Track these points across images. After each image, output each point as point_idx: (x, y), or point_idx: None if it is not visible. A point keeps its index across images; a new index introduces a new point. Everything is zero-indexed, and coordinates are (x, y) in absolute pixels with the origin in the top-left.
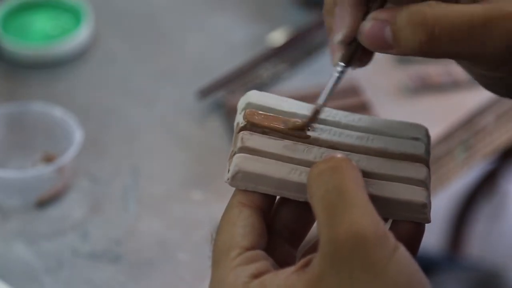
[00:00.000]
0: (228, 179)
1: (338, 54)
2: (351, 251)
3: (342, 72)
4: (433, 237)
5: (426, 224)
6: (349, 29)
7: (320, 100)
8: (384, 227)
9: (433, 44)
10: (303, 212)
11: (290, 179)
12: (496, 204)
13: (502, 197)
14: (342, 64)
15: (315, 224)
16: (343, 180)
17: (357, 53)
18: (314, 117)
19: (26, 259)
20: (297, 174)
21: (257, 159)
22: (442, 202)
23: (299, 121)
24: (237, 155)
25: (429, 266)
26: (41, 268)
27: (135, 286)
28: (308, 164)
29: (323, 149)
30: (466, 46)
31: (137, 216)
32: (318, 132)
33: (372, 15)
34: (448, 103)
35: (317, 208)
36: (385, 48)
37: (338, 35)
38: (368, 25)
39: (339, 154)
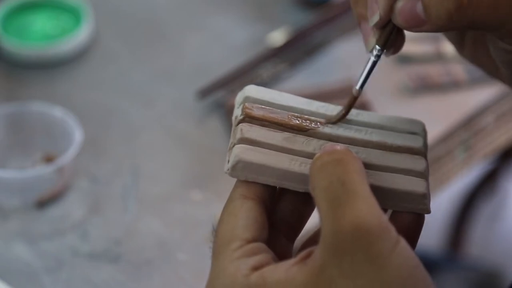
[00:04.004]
0: (228, 169)
1: (373, 38)
2: (354, 242)
3: (378, 56)
4: (433, 237)
5: (426, 225)
6: (384, 10)
7: (357, 86)
8: (387, 220)
9: (461, 13)
10: (300, 205)
11: (291, 169)
12: (496, 204)
13: (502, 197)
14: (378, 47)
15: (311, 218)
16: (346, 172)
17: (391, 36)
18: (353, 104)
19: (26, 259)
20: (297, 165)
21: (257, 150)
22: (442, 202)
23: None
24: (237, 145)
25: (429, 266)
26: (41, 268)
27: (135, 286)
28: (308, 155)
29: (322, 141)
30: (493, 14)
31: (137, 216)
32: (317, 125)
33: None
34: (448, 103)
35: (320, 199)
36: (418, 24)
37: (374, 18)
38: (400, 3)
39: (339, 146)
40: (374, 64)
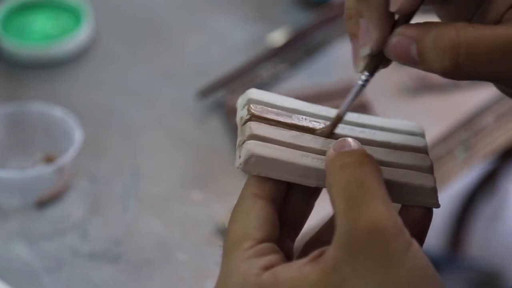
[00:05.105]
0: (240, 164)
1: (362, 63)
2: (369, 241)
3: (366, 81)
4: (433, 237)
5: None
6: (376, 44)
7: (343, 107)
8: (401, 223)
9: (457, 69)
10: (302, 204)
11: (303, 164)
12: (496, 204)
13: (502, 197)
14: (367, 73)
15: (311, 217)
16: (365, 174)
17: (381, 63)
18: (337, 124)
19: (26, 259)
20: (309, 159)
21: (268, 145)
22: (442, 202)
23: (321, 127)
24: (248, 141)
25: None
26: (41, 268)
27: (135, 286)
28: (317, 151)
29: (329, 140)
30: (488, 70)
31: (137, 216)
32: (321, 125)
33: (399, 30)
34: (448, 103)
35: (337, 198)
36: (411, 63)
37: (365, 49)
38: (394, 40)
39: (352, 142)
40: (362, 87)
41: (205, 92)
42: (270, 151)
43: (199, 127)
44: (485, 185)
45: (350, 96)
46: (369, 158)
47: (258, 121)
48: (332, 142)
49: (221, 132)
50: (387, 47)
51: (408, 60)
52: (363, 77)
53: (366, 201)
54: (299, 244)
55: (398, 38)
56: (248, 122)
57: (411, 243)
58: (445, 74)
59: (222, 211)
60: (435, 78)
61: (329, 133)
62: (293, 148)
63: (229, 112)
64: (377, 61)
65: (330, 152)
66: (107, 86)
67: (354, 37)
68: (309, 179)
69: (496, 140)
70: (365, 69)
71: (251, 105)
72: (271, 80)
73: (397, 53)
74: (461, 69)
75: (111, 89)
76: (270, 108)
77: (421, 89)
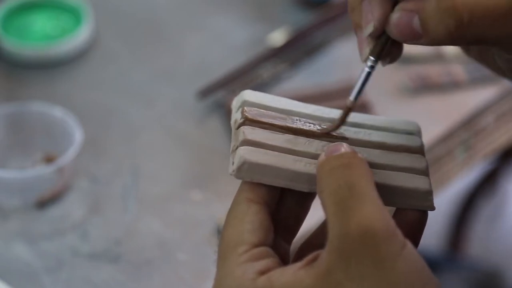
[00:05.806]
0: (233, 171)
1: (367, 48)
2: (361, 245)
3: (372, 67)
4: (433, 237)
5: (426, 225)
6: (379, 21)
7: (351, 97)
8: (394, 224)
9: (462, 31)
10: (296, 207)
11: (296, 169)
12: (496, 204)
13: (502, 197)
14: (373, 58)
15: (308, 218)
16: (355, 177)
17: (386, 47)
18: (346, 116)
19: (26, 259)
20: (302, 165)
21: (261, 151)
22: (442, 202)
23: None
24: (241, 147)
25: (429, 266)
26: (41, 268)
27: (135, 286)
28: (311, 156)
29: (323, 142)
30: (493, 31)
31: (137, 216)
32: (316, 127)
33: (399, 5)
34: (448, 103)
35: (328, 202)
36: (414, 38)
37: (368, 28)
38: (396, 15)
39: (343, 146)
40: (368, 74)
41: (205, 92)
42: (263, 157)
43: (199, 127)
44: (485, 185)
45: (358, 84)
46: (358, 160)
47: (251, 125)
48: (327, 145)
49: (221, 132)
50: (389, 26)
51: (412, 35)
52: (369, 63)
53: (356, 204)
54: (297, 245)
55: (399, 14)
56: (242, 127)
57: (404, 245)
58: (451, 37)
59: (222, 211)
60: (435, 78)
61: (339, 126)
62: (286, 153)
63: (229, 112)
64: (382, 45)
65: (321, 157)
66: (107, 86)
67: (358, 28)
68: (302, 184)
69: (496, 140)
70: (371, 54)
71: (245, 108)
72: (271, 80)
73: (400, 29)
74: (466, 30)
75: (111, 89)
76: (264, 111)
77: (421, 89)
